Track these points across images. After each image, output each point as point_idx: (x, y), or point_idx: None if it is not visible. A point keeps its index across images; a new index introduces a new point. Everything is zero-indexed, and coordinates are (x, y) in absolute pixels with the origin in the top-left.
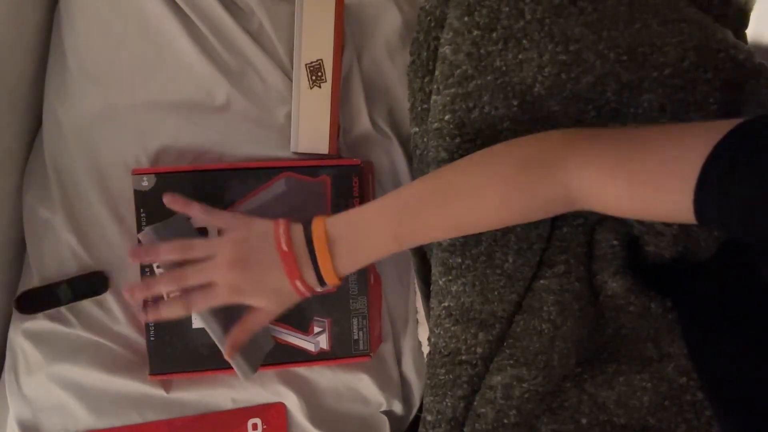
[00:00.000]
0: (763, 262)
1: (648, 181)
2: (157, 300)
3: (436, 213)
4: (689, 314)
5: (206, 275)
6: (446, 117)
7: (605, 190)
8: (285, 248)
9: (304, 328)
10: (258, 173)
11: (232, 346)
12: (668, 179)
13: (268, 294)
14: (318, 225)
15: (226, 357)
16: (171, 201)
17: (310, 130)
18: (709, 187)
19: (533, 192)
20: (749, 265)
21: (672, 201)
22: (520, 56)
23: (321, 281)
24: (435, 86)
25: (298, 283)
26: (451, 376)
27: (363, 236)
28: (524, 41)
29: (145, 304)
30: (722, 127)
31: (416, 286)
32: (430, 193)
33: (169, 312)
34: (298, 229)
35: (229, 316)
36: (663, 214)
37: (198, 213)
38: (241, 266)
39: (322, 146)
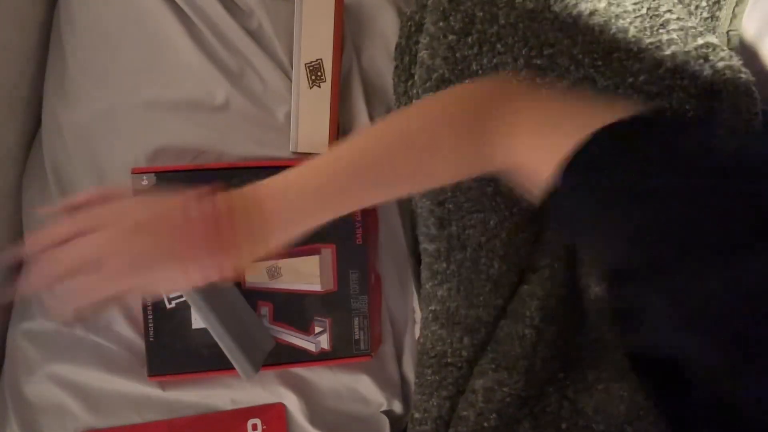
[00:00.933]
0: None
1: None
2: None
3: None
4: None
5: (84, 254)
6: None
7: (517, 148)
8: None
9: (305, 328)
10: (258, 172)
11: None
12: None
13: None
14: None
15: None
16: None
17: (310, 130)
18: (571, 172)
19: (463, 153)
20: None
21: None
22: (495, 60)
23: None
24: (414, 90)
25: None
26: (437, 377)
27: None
28: (498, 45)
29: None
30: (620, 112)
31: (414, 286)
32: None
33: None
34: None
35: (235, 318)
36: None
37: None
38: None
39: (322, 146)
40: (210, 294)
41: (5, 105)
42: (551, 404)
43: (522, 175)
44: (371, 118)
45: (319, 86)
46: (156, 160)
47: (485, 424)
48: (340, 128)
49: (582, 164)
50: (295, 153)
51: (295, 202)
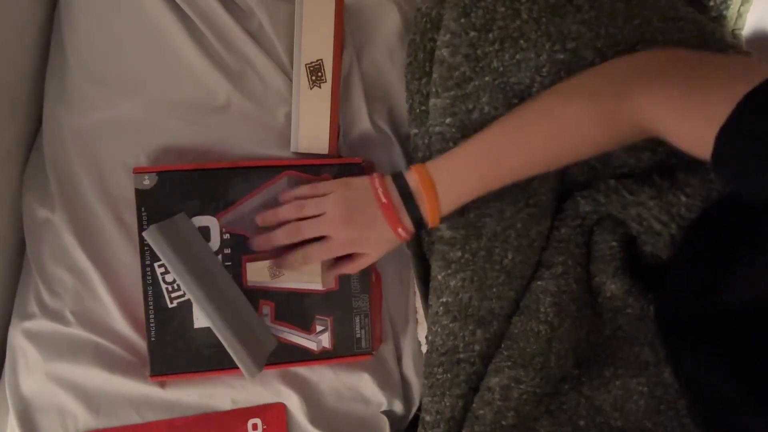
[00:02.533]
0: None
1: (692, 116)
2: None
3: (517, 153)
4: (666, 315)
5: (320, 229)
6: (447, 120)
7: (663, 123)
8: (384, 200)
9: (307, 327)
10: (260, 172)
11: (337, 274)
12: (705, 120)
13: (375, 243)
14: (421, 172)
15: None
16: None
17: (310, 131)
18: (730, 132)
19: (608, 124)
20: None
21: (704, 141)
22: (517, 56)
23: (418, 225)
24: (433, 89)
25: (400, 230)
26: (449, 375)
27: (456, 181)
28: (521, 41)
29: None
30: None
31: (416, 286)
32: (510, 134)
33: (291, 263)
34: (392, 180)
35: (238, 317)
36: (699, 153)
37: (307, 191)
38: (350, 221)
39: (322, 146)
40: (213, 293)
41: (5, 105)
42: (568, 401)
43: (665, 137)
44: (372, 118)
45: (320, 87)
46: (156, 160)
47: (503, 423)
48: (340, 128)
49: (744, 119)
50: (295, 153)
51: (459, 184)
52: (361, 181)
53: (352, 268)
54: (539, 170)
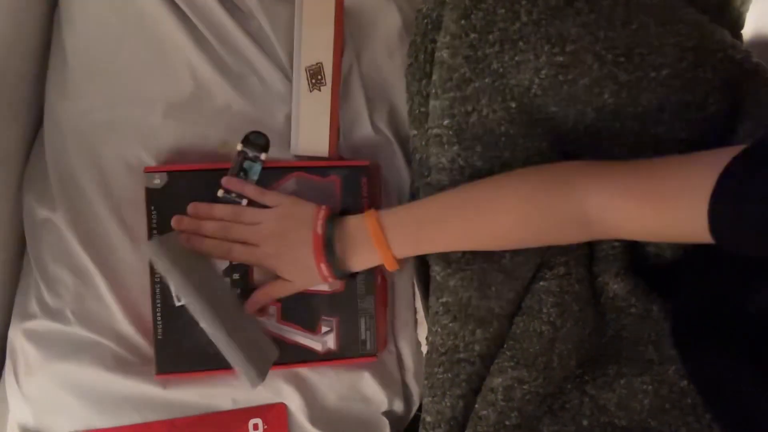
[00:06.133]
0: None
1: (659, 201)
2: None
3: (456, 226)
4: (683, 316)
5: (249, 236)
6: (445, 122)
7: (618, 212)
8: (319, 231)
9: (312, 328)
10: (269, 173)
11: (252, 306)
12: (680, 198)
13: (298, 269)
14: (370, 218)
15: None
16: (228, 182)
17: (310, 133)
18: (721, 203)
19: (550, 211)
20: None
21: (686, 218)
22: (516, 58)
23: (337, 272)
24: (433, 90)
25: (323, 267)
26: (449, 375)
27: (402, 233)
28: (520, 43)
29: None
30: (726, 154)
31: (415, 286)
32: (453, 206)
33: (211, 248)
34: (335, 219)
35: (239, 328)
36: (676, 233)
37: (252, 192)
38: (280, 238)
39: (322, 149)
40: (214, 306)
41: (6, 105)
42: (571, 401)
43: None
44: (372, 120)
45: (320, 89)
46: (156, 160)
47: (506, 423)
48: (340, 131)
49: (734, 188)
50: (295, 156)
51: (400, 234)
52: (305, 207)
53: (269, 294)
54: (481, 247)
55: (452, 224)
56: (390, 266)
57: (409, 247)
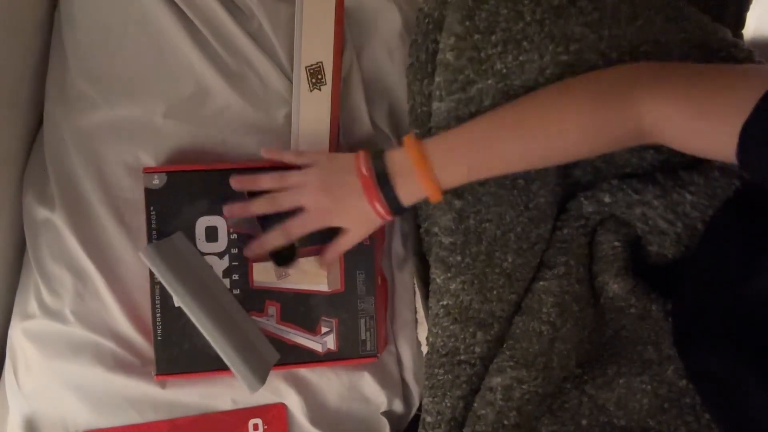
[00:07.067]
0: None
1: (707, 114)
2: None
3: (511, 146)
4: (683, 316)
5: (297, 199)
6: (451, 124)
7: (671, 121)
8: (365, 173)
9: (312, 328)
10: (269, 172)
11: (326, 263)
12: (725, 116)
13: (353, 216)
14: (413, 149)
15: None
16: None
17: (311, 133)
18: (755, 127)
19: (610, 126)
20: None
21: (723, 137)
22: (520, 58)
23: (394, 206)
24: (437, 92)
25: (377, 205)
26: (449, 376)
27: (448, 160)
28: (524, 43)
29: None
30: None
31: (416, 285)
32: (506, 126)
33: (272, 241)
34: (377, 156)
35: (237, 332)
36: (714, 151)
37: (289, 157)
38: (328, 190)
39: (322, 149)
40: (212, 311)
41: (6, 105)
42: (570, 400)
43: (668, 141)
44: (372, 119)
45: (320, 89)
46: (156, 160)
47: (505, 422)
48: (340, 130)
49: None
50: None
51: (450, 162)
52: (344, 156)
53: (336, 249)
54: (533, 166)
55: (508, 145)
56: (434, 197)
57: (459, 175)
